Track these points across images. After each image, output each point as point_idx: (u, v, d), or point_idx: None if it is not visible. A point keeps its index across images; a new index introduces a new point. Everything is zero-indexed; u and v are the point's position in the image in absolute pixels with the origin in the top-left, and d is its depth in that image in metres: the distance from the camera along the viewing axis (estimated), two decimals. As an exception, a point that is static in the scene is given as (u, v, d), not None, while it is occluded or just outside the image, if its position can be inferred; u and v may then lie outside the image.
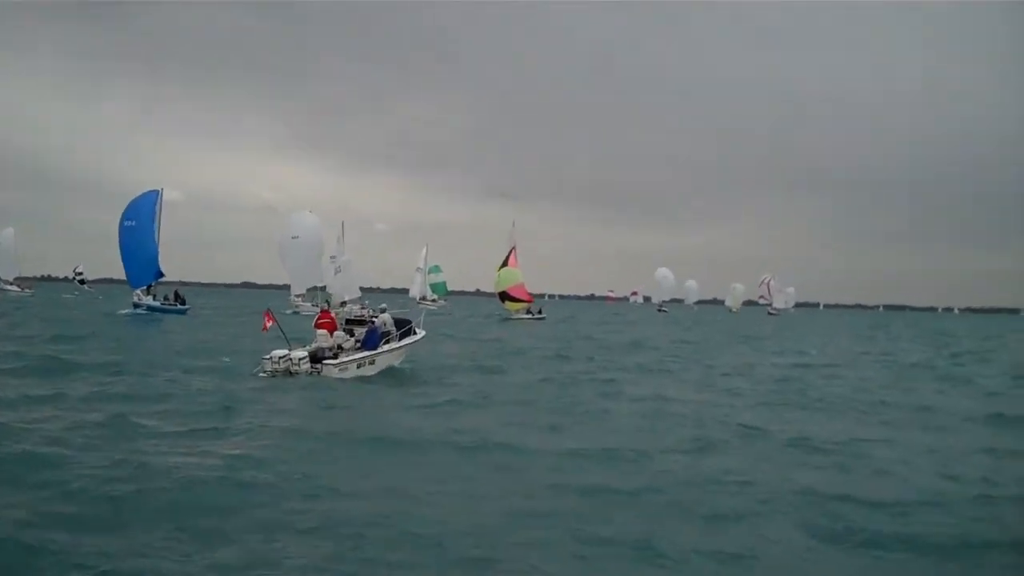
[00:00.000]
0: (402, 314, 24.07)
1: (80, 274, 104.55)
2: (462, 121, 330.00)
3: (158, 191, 52.93)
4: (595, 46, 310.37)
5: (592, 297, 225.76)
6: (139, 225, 51.12)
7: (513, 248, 69.68)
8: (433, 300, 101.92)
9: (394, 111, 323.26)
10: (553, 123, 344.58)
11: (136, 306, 51.99)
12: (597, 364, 28.02)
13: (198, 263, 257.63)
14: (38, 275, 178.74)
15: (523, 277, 68.65)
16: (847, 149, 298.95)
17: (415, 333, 23.23)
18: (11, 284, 79.72)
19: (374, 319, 22.34)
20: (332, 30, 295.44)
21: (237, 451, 11.43)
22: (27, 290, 79.89)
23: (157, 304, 52.73)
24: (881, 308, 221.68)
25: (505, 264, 69.34)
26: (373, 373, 21.04)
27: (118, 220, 52.78)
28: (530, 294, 70.32)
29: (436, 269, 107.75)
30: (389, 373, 21.40)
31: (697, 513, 9.27)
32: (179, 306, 53.97)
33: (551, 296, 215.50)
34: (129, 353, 25.14)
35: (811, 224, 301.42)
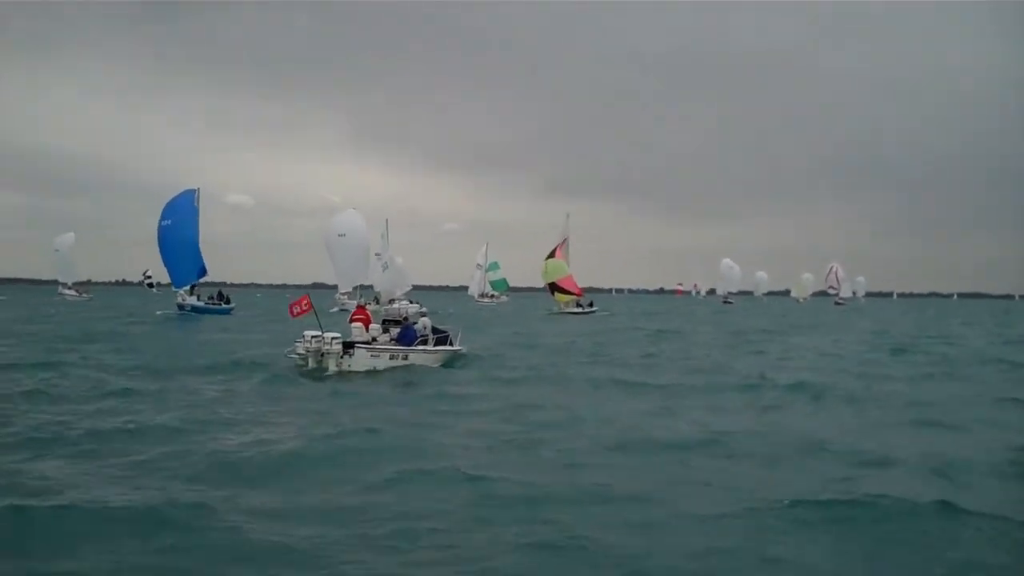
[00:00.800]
0: (444, 327, 23.85)
1: (149, 278, 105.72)
2: (527, 120, 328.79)
3: (195, 190, 52.38)
4: (649, 41, 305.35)
5: (661, 291, 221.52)
6: (176, 224, 50.63)
7: (565, 240, 67.98)
8: (492, 296, 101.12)
9: (457, 112, 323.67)
10: (618, 120, 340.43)
11: (180, 307, 51.56)
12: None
13: (268, 265, 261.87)
14: (112, 280, 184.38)
15: (570, 269, 66.68)
16: (917, 137, 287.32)
17: (451, 345, 23.14)
18: (69, 288, 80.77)
19: (411, 320, 22.65)
20: (394, 33, 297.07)
21: None
22: (85, 295, 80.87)
23: (201, 304, 52.25)
24: (955, 296, 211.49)
25: (552, 255, 67.63)
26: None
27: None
28: (580, 288, 68.34)
29: (495, 266, 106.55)
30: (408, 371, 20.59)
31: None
32: (223, 306, 53.36)
33: (619, 290, 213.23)
34: (122, 354, 24.06)
35: (884, 212, 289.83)
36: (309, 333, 20.18)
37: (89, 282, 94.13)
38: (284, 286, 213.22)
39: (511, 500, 8.75)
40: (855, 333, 43.66)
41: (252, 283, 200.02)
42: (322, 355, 19.80)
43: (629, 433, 12.77)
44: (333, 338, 19.95)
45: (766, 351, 30.13)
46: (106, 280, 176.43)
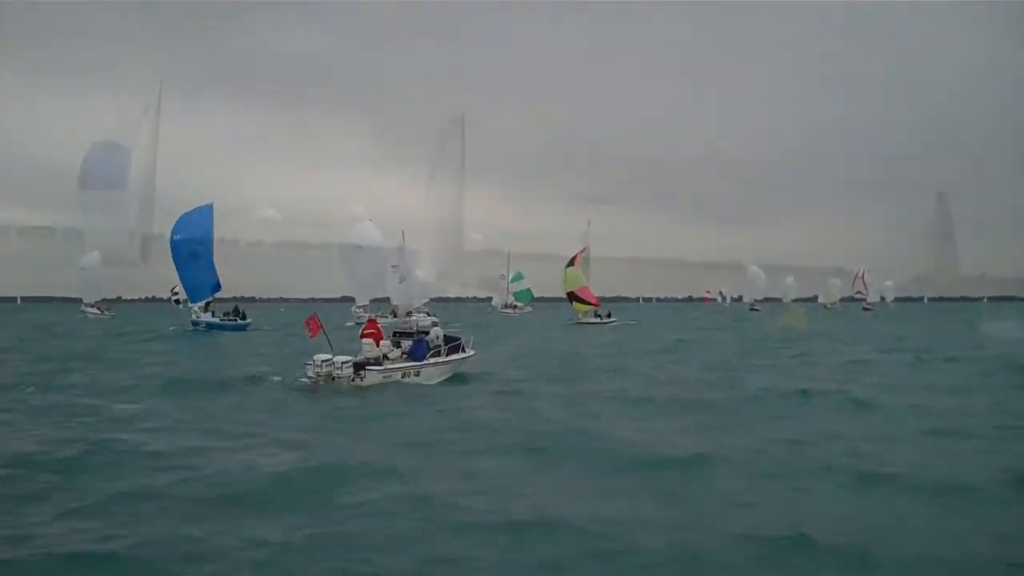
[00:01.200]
0: (453, 332, 23.92)
1: (176, 294, 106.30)
2: (552, 127, 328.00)
3: (210, 205, 52.14)
4: (678, 48, 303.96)
5: (689, 299, 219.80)
6: (188, 239, 50.36)
7: (585, 248, 67.95)
8: (514, 307, 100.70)
9: (480, 120, 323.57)
10: (644, 126, 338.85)
11: (194, 323, 51.21)
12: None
13: (296, 278, 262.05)
14: (142, 296, 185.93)
15: (594, 277, 66.75)
16: (935, 142, 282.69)
17: (463, 351, 22.85)
18: (91, 307, 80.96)
19: (425, 332, 22.26)
20: (411, 47, 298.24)
21: None
22: (107, 312, 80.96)
23: (216, 320, 51.73)
24: (985, 300, 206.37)
25: (571, 263, 67.54)
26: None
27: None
28: (603, 298, 68.21)
29: (519, 277, 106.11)
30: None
31: None
32: (239, 321, 52.86)
33: (647, 299, 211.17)
34: (100, 373, 23.83)
35: (909, 216, 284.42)
36: (319, 357, 19.82)
37: (119, 299, 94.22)
38: (312, 300, 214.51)
39: (486, 528, 8.40)
40: (880, 340, 42.35)
41: (279, 297, 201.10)
42: (333, 379, 19.48)
43: (622, 451, 12.17)
44: (343, 362, 19.65)
45: (781, 363, 28.86)
46: (136, 297, 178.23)
